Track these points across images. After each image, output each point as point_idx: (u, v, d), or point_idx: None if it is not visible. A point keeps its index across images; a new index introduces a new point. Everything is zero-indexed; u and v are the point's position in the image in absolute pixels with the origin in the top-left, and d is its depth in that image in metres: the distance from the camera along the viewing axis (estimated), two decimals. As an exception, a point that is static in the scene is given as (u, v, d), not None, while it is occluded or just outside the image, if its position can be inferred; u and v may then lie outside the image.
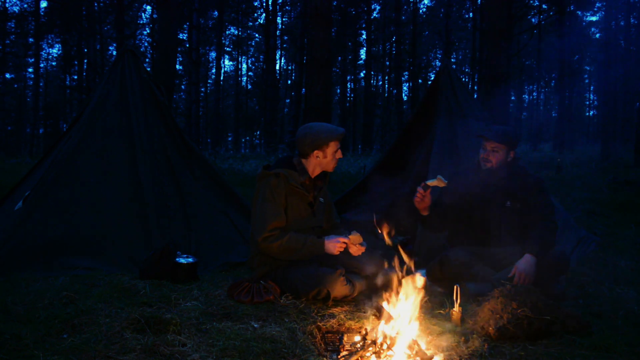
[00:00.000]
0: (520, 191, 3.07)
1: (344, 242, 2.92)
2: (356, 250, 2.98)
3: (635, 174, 10.44)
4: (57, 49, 31.14)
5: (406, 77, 31.66)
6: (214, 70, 31.25)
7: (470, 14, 27.03)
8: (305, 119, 8.57)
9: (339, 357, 2.12)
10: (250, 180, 8.56)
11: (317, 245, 2.90)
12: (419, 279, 2.24)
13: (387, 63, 30.52)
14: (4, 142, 27.50)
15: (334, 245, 2.90)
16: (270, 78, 22.47)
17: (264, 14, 25.68)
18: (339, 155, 3.04)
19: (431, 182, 2.99)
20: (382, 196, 5.04)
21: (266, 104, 23.89)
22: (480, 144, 3.19)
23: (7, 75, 28.83)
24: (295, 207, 2.99)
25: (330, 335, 2.42)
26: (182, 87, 32.29)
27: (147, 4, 24.50)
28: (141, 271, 3.23)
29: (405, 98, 31.57)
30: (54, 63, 33.60)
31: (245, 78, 38.90)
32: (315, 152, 3.01)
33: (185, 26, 23.55)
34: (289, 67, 35.90)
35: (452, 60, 34.67)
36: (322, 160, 3.04)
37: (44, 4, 26.57)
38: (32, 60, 26.22)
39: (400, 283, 2.29)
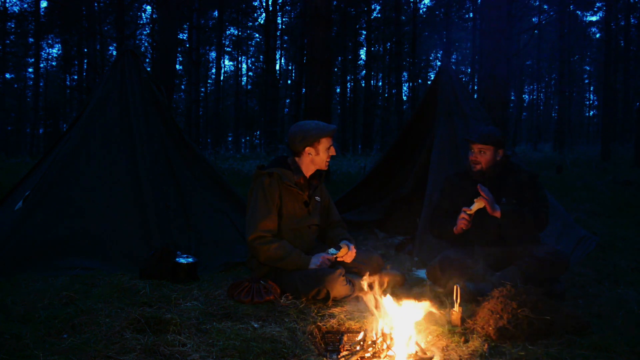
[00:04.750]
0: (515, 187, 3.09)
1: (328, 259, 2.94)
2: (349, 257, 3.02)
3: (635, 174, 10.43)
4: (57, 49, 31.17)
5: (406, 77, 31.63)
6: (214, 70, 31.26)
7: (470, 14, 27.03)
8: (305, 119, 8.56)
9: (339, 357, 2.13)
10: (250, 180, 8.55)
11: (302, 259, 2.92)
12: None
13: (387, 63, 30.48)
14: (4, 142, 27.49)
15: (319, 259, 2.93)
16: (270, 78, 22.43)
17: (264, 14, 25.66)
18: (331, 152, 3.04)
19: (473, 208, 2.98)
20: (382, 196, 5.05)
21: (266, 104, 23.87)
22: (468, 147, 3.21)
23: (7, 75, 28.85)
24: (290, 206, 3.00)
25: (330, 335, 2.42)
26: (182, 87, 32.28)
27: (147, 4, 24.49)
28: (141, 271, 3.23)
29: (405, 98, 31.55)
30: (54, 63, 33.59)
31: (245, 78, 38.89)
32: (307, 149, 3.01)
33: (185, 26, 23.55)
34: (289, 67, 35.88)
35: (452, 60, 34.65)
36: (315, 158, 3.04)
37: (44, 4, 26.58)
38: (32, 60, 26.23)
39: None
